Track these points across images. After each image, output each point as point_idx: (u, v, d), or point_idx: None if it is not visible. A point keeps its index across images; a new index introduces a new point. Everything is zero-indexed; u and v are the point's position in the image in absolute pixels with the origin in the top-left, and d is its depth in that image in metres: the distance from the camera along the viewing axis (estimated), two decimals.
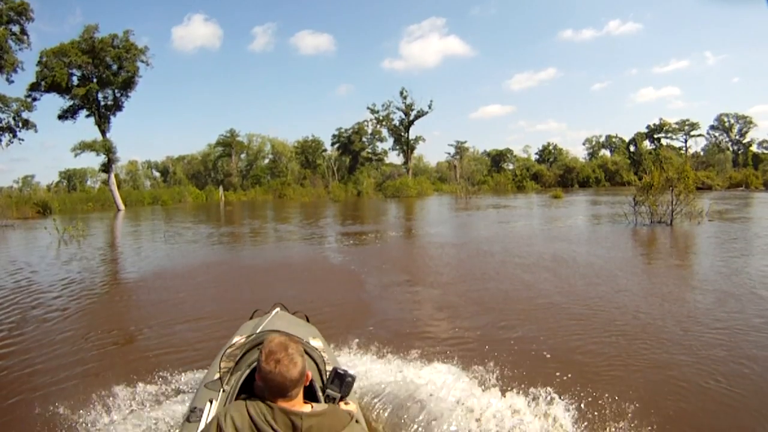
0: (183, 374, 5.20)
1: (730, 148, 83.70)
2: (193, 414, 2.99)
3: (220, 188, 64.22)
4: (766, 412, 4.40)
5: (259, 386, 2.33)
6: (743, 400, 4.60)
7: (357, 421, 2.39)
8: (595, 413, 4.21)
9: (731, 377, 5.03)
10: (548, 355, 5.43)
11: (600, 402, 4.37)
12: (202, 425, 2.77)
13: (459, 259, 13.28)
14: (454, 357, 5.40)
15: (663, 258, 13.09)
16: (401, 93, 69.70)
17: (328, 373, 3.01)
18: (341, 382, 2.86)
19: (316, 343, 3.84)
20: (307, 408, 2.29)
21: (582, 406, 4.30)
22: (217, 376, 3.27)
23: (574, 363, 5.28)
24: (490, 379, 4.88)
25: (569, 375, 4.92)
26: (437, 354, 5.59)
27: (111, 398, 4.52)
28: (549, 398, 4.22)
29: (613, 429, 4.00)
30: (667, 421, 4.16)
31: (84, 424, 4.14)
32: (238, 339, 3.74)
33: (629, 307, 7.89)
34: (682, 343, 6.08)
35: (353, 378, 2.89)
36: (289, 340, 2.38)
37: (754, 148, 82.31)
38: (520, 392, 4.33)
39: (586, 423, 4.05)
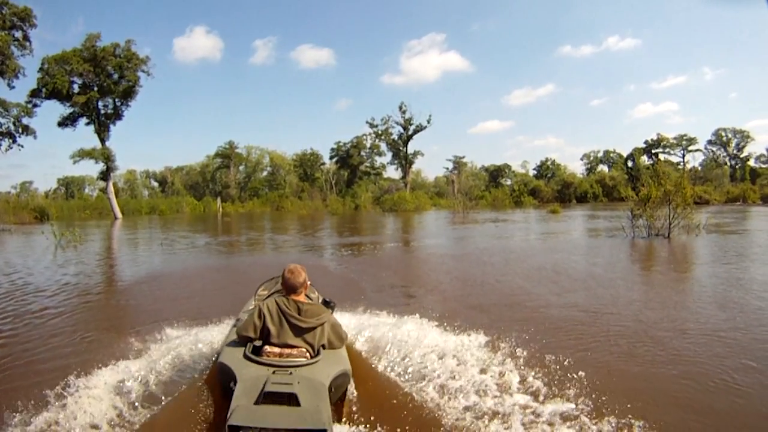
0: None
1: (728, 163, 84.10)
2: (238, 321, 4.63)
3: (218, 199, 64.16)
4: None
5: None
6: (753, 395, 4.62)
7: (332, 315, 4.39)
8: (602, 408, 4.18)
9: (739, 374, 5.01)
10: (552, 357, 5.35)
11: (606, 397, 4.34)
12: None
13: (459, 269, 13.19)
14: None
15: (662, 267, 13.11)
16: (400, 107, 69.93)
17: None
18: (327, 305, 4.61)
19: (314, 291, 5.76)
20: (306, 300, 4.34)
21: (585, 399, 4.30)
22: (252, 306, 5.01)
23: (576, 362, 5.21)
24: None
25: (571, 372, 4.86)
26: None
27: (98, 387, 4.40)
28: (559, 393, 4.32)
29: (619, 423, 3.96)
30: (673, 418, 4.14)
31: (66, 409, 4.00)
32: (262, 290, 5.86)
33: (630, 311, 7.88)
34: (685, 344, 6.06)
35: (335, 303, 4.90)
36: (299, 265, 4.44)
37: (751, 163, 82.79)
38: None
39: (591, 417, 4.04)
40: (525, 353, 5.44)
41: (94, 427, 3.75)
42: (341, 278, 11.87)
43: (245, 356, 3.69)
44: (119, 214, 47.65)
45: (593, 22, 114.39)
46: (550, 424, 3.90)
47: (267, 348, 3.86)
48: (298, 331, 3.95)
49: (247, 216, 51.46)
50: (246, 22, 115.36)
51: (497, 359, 5.19)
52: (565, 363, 5.21)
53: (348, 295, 9.10)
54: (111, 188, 48.55)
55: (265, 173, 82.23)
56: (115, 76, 44.96)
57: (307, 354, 3.89)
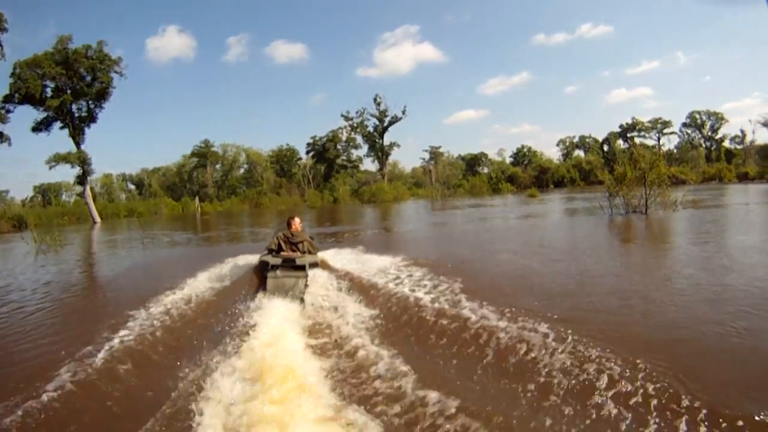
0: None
1: (703, 145, 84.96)
2: (264, 252, 8.64)
3: (196, 199, 63.43)
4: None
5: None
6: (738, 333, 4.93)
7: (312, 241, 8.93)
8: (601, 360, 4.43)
9: (728, 317, 5.34)
10: (556, 316, 5.53)
11: (605, 351, 4.54)
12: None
13: (445, 248, 13.47)
14: None
15: (641, 237, 13.60)
16: (375, 100, 69.84)
17: None
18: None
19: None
20: (297, 230, 8.91)
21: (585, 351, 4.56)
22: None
23: (572, 322, 5.34)
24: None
25: (570, 329, 5.00)
26: None
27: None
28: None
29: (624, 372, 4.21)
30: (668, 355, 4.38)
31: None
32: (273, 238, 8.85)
33: (617, 273, 8.31)
34: (671, 296, 6.40)
35: (314, 237, 9.84)
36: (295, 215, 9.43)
37: (726, 144, 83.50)
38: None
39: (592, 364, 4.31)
40: (520, 309, 5.75)
41: (206, 290, 7.78)
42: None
43: (272, 255, 7.99)
44: (98, 218, 46.81)
45: (566, 10, 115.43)
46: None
47: (281, 252, 8.16)
48: (293, 244, 8.38)
49: (225, 214, 51.00)
50: (218, 19, 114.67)
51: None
52: (557, 316, 5.47)
53: None
54: (88, 192, 47.67)
55: (242, 171, 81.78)
56: (88, 78, 43.90)
57: (299, 253, 8.17)
